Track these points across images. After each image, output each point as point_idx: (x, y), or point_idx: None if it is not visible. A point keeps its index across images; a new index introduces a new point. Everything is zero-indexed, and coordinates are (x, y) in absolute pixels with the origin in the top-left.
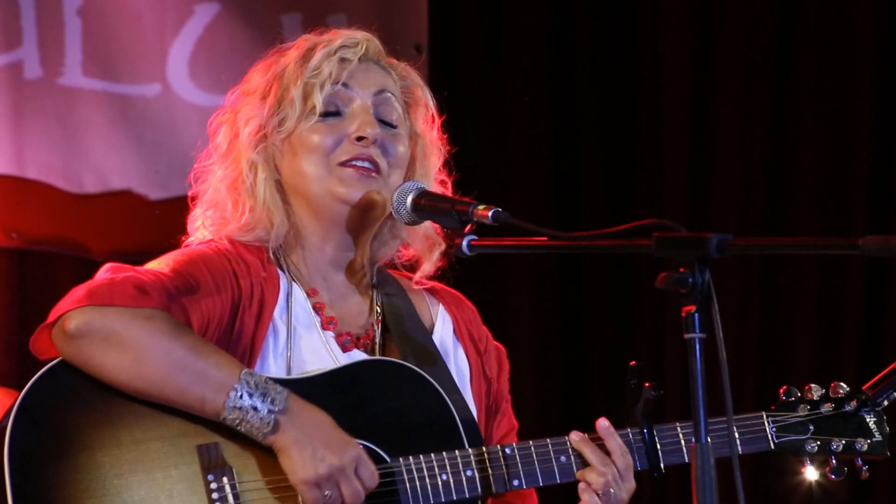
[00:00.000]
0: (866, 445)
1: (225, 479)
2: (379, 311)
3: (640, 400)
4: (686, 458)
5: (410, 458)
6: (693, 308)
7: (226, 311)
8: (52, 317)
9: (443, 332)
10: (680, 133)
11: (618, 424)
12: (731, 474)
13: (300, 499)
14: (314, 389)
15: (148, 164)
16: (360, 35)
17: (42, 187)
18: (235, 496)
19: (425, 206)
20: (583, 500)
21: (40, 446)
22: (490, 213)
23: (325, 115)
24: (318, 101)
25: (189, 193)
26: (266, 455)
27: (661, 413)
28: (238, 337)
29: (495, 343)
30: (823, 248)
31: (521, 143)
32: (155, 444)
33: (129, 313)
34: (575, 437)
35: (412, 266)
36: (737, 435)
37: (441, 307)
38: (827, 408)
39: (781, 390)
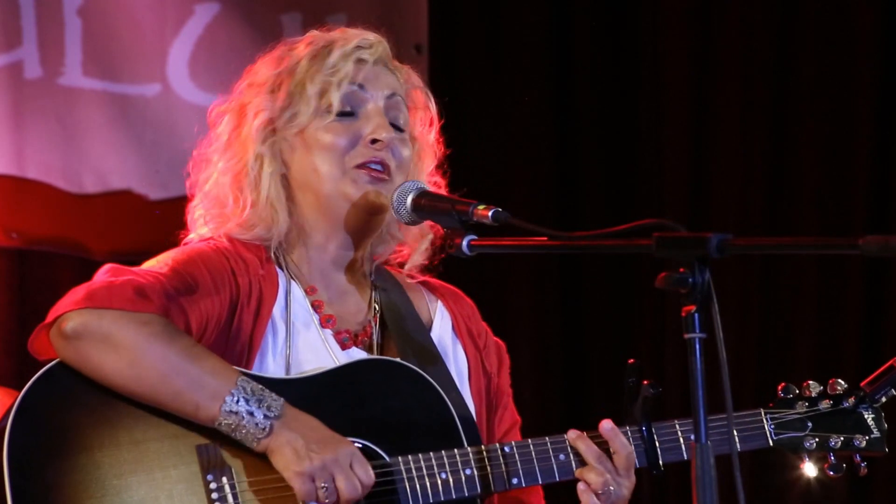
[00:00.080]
0: (864, 442)
1: (224, 479)
2: (377, 308)
3: (638, 398)
4: (685, 455)
5: (410, 456)
6: (693, 308)
7: (224, 309)
8: (50, 317)
9: (441, 328)
10: (680, 133)
11: (617, 423)
12: (730, 472)
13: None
14: (313, 388)
15: (148, 164)
16: (372, 36)
17: (42, 187)
18: (235, 496)
19: (425, 205)
20: (582, 501)
21: (40, 447)
22: (490, 213)
23: (341, 114)
24: (336, 100)
25: (187, 182)
26: (265, 455)
27: (660, 411)
28: (236, 335)
29: (495, 338)
30: (823, 248)
31: (521, 143)
32: (154, 444)
33: (126, 317)
34: (573, 434)
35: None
36: (735, 432)
37: (440, 303)
38: (825, 404)
39: (780, 387)
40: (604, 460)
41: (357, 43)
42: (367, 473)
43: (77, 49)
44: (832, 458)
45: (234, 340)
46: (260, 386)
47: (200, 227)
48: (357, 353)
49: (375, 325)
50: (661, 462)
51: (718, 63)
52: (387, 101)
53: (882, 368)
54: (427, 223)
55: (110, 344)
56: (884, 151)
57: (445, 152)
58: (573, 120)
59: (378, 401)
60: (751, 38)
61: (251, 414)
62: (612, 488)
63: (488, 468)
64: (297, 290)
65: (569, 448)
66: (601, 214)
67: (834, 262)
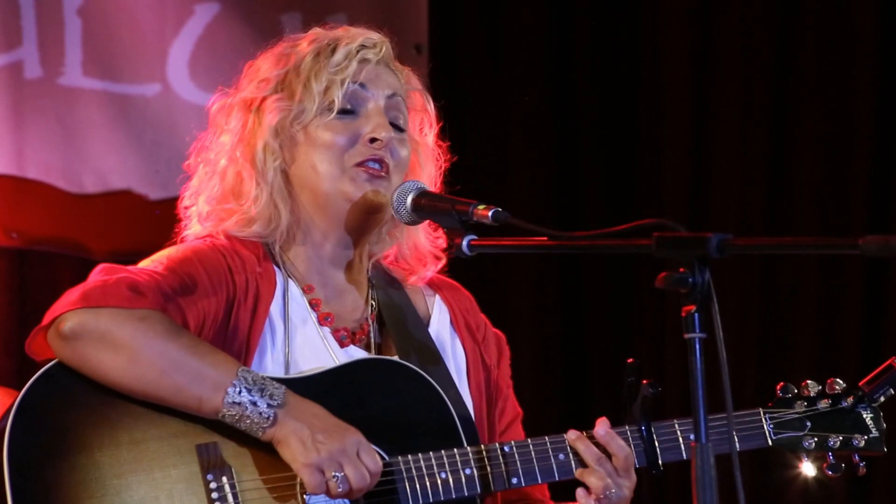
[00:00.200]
0: (863, 442)
1: (224, 479)
2: (374, 305)
3: (638, 397)
4: (684, 455)
5: (409, 456)
6: (693, 308)
7: (221, 307)
8: (46, 319)
9: (439, 323)
10: (680, 133)
11: (616, 422)
12: (730, 472)
13: (299, 497)
14: (312, 388)
15: (148, 164)
16: (376, 36)
17: (42, 187)
18: (235, 495)
19: (425, 205)
20: None
21: (39, 447)
22: (490, 213)
23: (342, 112)
24: (339, 97)
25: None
26: (265, 454)
27: (660, 411)
28: (234, 333)
29: (494, 330)
30: (823, 248)
31: (521, 143)
32: (154, 443)
33: (123, 314)
34: (572, 435)
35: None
36: (734, 432)
37: (437, 298)
38: (824, 404)
39: (778, 387)
40: (603, 461)
41: (362, 42)
42: (374, 461)
43: (77, 49)
44: (831, 457)
45: (231, 339)
46: (261, 375)
47: (198, 223)
48: (355, 351)
49: (373, 322)
50: (660, 462)
51: (718, 63)
52: (387, 101)
53: (880, 368)
54: (435, 246)
55: (108, 342)
56: (884, 151)
57: (447, 157)
58: (573, 120)
59: (378, 400)
60: (751, 38)
61: (254, 404)
62: (612, 491)
63: (488, 468)
64: (294, 288)
65: (568, 448)
66: (601, 214)
67: (834, 262)
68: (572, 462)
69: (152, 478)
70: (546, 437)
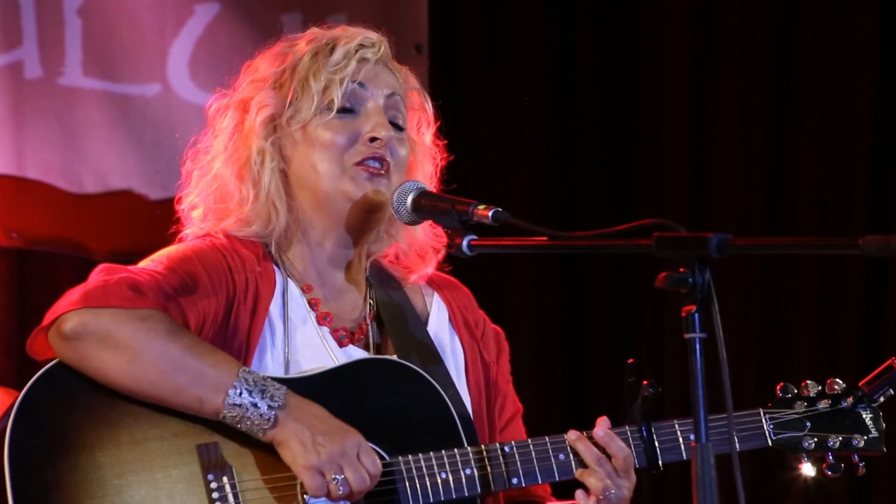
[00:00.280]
0: (863, 442)
1: (225, 479)
2: (372, 304)
3: (638, 397)
4: (684, 455)
5: (410, 456)
6: (693, 308)
7: (221, 307)
8: (47, 319)
9: (438, 321)
10: (680, 133)
11: (616, 422)
12: (730, 472)
13: (300, 497)
14: (313, 388)
15: (148, 164)
16: (374, 35)
17: (42, 187)
18: (235, 495)
19: (425, 205)
20: None
21: (40, 447)
22: (490, 213)
23: (341, 111)
24: (338, 97)
25: (183, 171)
26: (266, 453)
27: (660, 411)
28: (234, 333)
29: (493, 326)
30: (823, 248)
31: (521, 143)
32: (154, 443)
33: (124, 314)
34: (572, 435)
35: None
36: (734, 432)
37: (436, 295)
38: (824, 404)
39: (778, 387)
40: (603, 462)
41: (360, 41)
42: (374, 463)
43: (77, 49)
44: (830, 457)
45: (231, 338)
46: (262, 375)
47: (197, 223)
48: (355, 351)
49: (371, 322)
50: (660, 462)
51: (718, 63)
52: (386, 101)
53: (880, 368)
54: (434, 234)
55: (109, 342)
56: (884, 151)
57: (444, 156)
58: (573, 120)
59: (378, 400)
60: (751, 38)
61: (255, 405)
62: (612, 492)
63: (488, 468)
64: (293, 288)
65: (568, 448)
66: (601, 214)
67: (834, 262)
68: (572, 462)
69: (153, 478)
70: (546, 438)
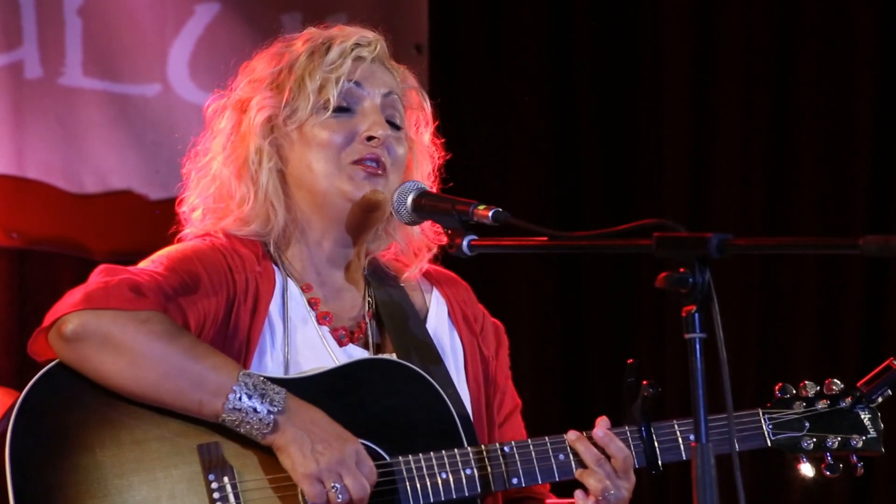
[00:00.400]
0: (861, 442)
1: (226, 479)
2: (371, 303)
3: (637, 397)
4: (684, 455)
5: (410, 456)
6: (693, 308)
7: (221, 307)
8: (47, 320)
9: (437, 317)
10: (680, 133)
11: (616, 422)
12: (730, 472)
13: (300, 497)
14: (313, 389)
15: (148, 164)
16: (371, 34)
17: (42, 187)
18: (236, 495)
19: (426, 205)
20: None
21: (41, 447)
22: (490, 213)
23: (337, 111)
24: (333, 95)
25: (182, 171)
26: (266, 454)
27: (660, 411)
28: (234, 333)
29: (493, 320)
30: (823, 248)
31: (521, 143)
32: (155, 443)
33: (125, 316)
34: (572, 436)
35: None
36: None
37: (435, 291)
38: (822, 405)
39: (777, 387)
40: (603, 463)
41: (356, 40)
42: (370, 472)
43: (77, 49)
44: (829, 458)
45: (231, 338)
46: (262, 378)
47: (197, 222)
48: (354, 350)
49: (370, 320)
50: (659, 462)
51: (718, 63)
52: (383, 100)
53: (878, 368)
54: (431, 232)
55: (110, 345)
56: (884, 151)
57: (442, 155)
58: (573, 120)
59: (378, 400)
60: (751, 38)
61: (255, 410)
62: (611, 493)
63: (488, 468)
64: (293, 288)
65: (568, 448)
66: (601, 214)
67: (834, 262)
68: (572, 462)
69: (154, 478)
70: (546, 438)
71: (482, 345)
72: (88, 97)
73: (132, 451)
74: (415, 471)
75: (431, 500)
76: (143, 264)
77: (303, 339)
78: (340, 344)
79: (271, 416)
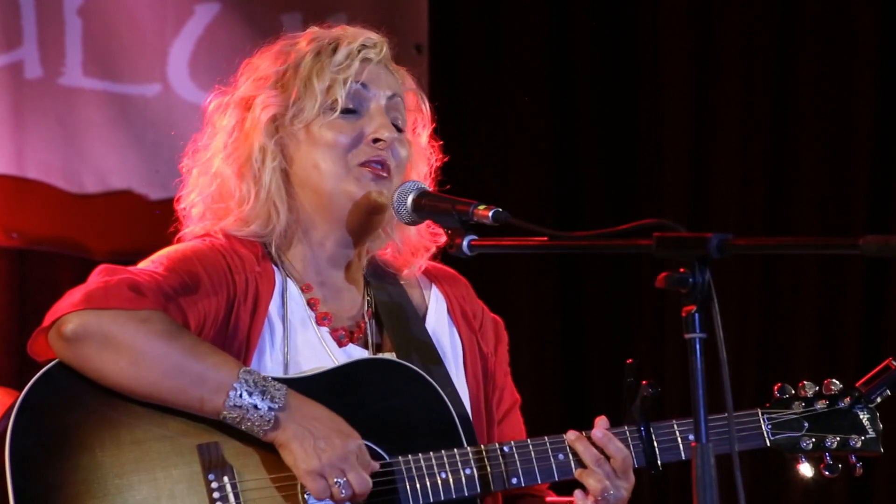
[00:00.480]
0: (860, 442)
1: (226, 479)
2: (370, 302)
3: (637, 397)
4: (683, 455)
5: (410, 456)
6: (693, 308)
7: (221, 307)
8: (47, 320)
9: (436, 314)
10: (680, 133)
11: (615, 422)
12: (730, 472)
13: (300, 497)
14: (313, 388)
15: (148, 164)
16: (375, 36)
17: (42, 187)
18: (236, 495)
19: (426, 205)
20: None
21: (41, 447)
22: (490, 213)
23: (345, 112)
24: (341, 97)
25: (180, 167)
26: (266, 453)
27: (660, 411)
28: (234, 333)
29: (492, 315)
30: (823, 248)
31: (521, 144)
32: (155, 443)
33: (125, 316)
34: (571, 435)
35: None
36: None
37: (434, 288)
38: (821, 405)
39: (776, 387)
40: (602, 463)
41: (363, 41)
42: (370, 468)
43: (77, 49)
44: (828, 458)
45: (231, 338)
46: (263, 375)
47: (196, 221)
48: (355, 350)
49: (369, 320)
50: (659, 462)
51: (718, 63)
52: (388, 102)
53: (877, 368)
54: (430, 232)
55: (110, 344)
56: (884, 151)
57: (439, 156)
58: (573, 120)
59: (378, 400)
60: (751, 38)
61: (255, 407)
62: (610, 493)
63: (488, 468)
64: (293, 288)
65: (568, 448)
66: (601, 214)
67: (834, 262)
68: (572, 462)
69: (154, 478)
70: (546, 438)
71: (481, 341)
72: (88, 97)
73: (132, 451)
74: (414, 471)
75: (431, 500)
76: (142, 264)
77: (302, 340)
78: (340, 344)
79: (272, 413)
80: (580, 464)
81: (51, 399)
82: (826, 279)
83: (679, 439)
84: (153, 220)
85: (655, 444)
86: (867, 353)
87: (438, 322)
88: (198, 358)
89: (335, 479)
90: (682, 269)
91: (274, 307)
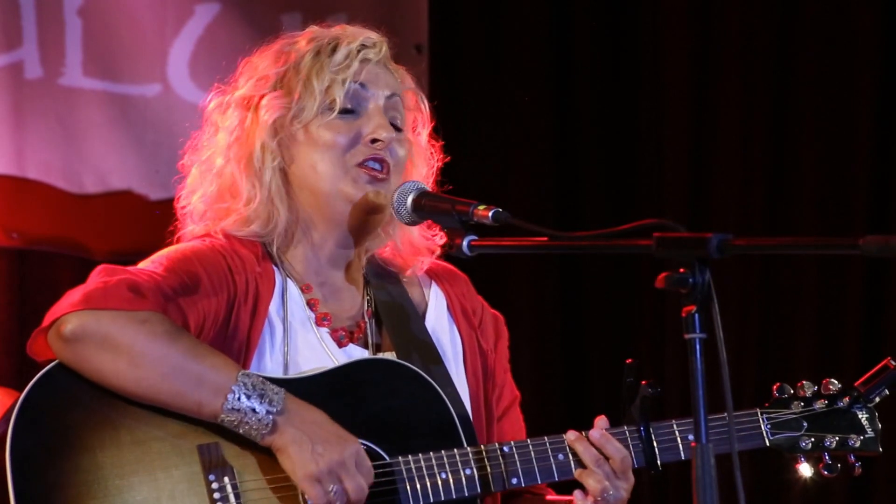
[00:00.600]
0: (859, 442)
1: (226, 479)
2: (370, 302)
3: (637, 397)
4: (683, 455)
5: (410, 456)
6: (693, 308)
7: (221, 308)
8: (47, 320)
9: (436, 313)
10: (680, 133)
11: (615, 422)
12: (730, 472)
13: (301, 498)
14: (313, 389)
15: (148, 164)
16: (375, 36)
17: (42, 187)
18: (237, 496)
19: (426, 206)
20: None
21: (41, 448)
22: (490, 214)
23: (343, 112)
24: (340, 97)
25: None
26: (266, 454)
27: (660, 411)
28: (234, 333)
29: (492, 311)
30: (823, 248)
31: (521, 143)
32: (155, 444)
33: (124, 317)
34: (571, 436)
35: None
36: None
37: (434, 286)
38: (820, 404)
39: (775, 387)
40: (602, 463)
41: (362, 41)
42: (368, 473)
43: (77, 49)
44: (827, 457)
45: (231, 339)
46: (261, 378)
47: (196, 221)
48: (355, 350)
49: (369, 320)
50: (658, 462)
51: (718, 63)
52: (387, 101)
53: (876, 368)
54: (433, 235)
55: (109, 345)
56: (884, 151)
57: (439, 156)
58: (573, 120)
59: (377, 401)
60: (751, 38)
61: (253, 410)
62: (610, 493)
63: (488, 468)
64: (293, 288)
65: (567, 448)
66: (601, 214)
67: (834, 262)
68: (571, 462)
69: (154, 478)
70: (545, 438)
71: (481, 338)
72: (88, 97)
73: (132, 452)
74: (414, 471)
75: (431, 501)
76: (142, 265)
77: (302, 341)
78: (340, 345)
79: (270, 417)
80: (580, 464)
81: (51, 399)
82: (826, 279)
83: (679, 439)
84: (153, 220)
85: (655, 444)
86: (867, 353)
87: (438, 320)
88: (196, 360)
89: (331, 487)
90: (682, 270)
91: (274, 307)
